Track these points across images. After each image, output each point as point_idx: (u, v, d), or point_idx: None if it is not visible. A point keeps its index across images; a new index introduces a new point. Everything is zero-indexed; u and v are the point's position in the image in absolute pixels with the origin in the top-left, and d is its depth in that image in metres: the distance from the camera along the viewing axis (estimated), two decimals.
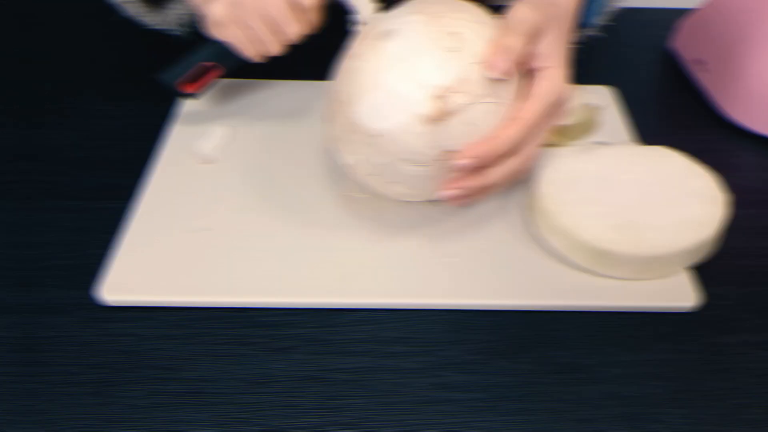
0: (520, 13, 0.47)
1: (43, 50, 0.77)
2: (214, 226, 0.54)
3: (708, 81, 0.71)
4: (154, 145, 0.62)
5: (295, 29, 0.56)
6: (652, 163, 0.56)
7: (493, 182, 0.49)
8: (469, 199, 0.49)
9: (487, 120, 0.47)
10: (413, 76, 0.45)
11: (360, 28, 0.54)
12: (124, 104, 0.69)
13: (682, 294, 0.51)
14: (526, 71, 0.49)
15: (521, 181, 0.55)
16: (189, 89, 0.61)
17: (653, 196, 0.53)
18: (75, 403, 0.44)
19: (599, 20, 0.58)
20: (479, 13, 0.49)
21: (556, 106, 0.49)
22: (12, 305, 0.50)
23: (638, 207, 0.52)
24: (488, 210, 0.57)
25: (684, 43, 0.77)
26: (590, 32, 0.58)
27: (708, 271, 0.53)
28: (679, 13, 0.80)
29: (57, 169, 0.61)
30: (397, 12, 0.50)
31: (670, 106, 0.72)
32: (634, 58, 0.79)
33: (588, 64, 0.77)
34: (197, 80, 0.61)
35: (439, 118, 0.45)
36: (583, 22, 0.53)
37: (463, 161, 0.46)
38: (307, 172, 0.60)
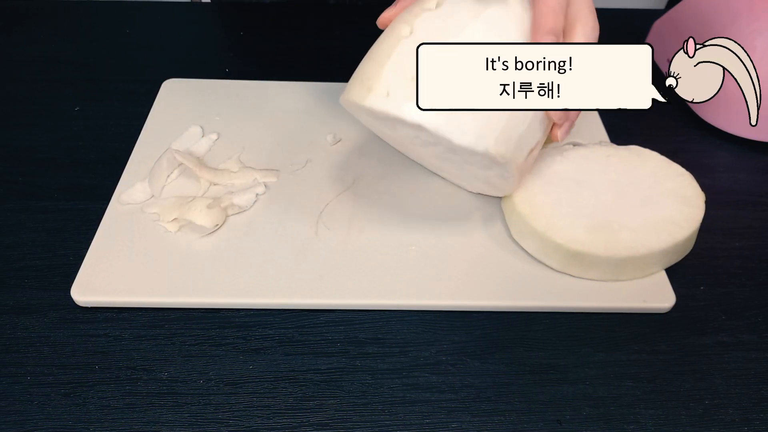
0: None
1: (19, 51, 0.77)
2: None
3: None
4: (130, 146, 0.62)
5: None
6: (627, 162, 0.56)
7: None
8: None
9: None
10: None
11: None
12: (101, 105, 0.68)
13: (657, 295, 0.51)
14: None
15: None
16: None
17: (628, 196, 0.53)
18: (49, 403, 0.44)
19: None
20: None
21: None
22: None
23: (613, 208, 0.52)
24: (469, 211, 0.57)
25: (656, 44, 0.77)
26: None
27: (682, 271, 0.53)
28: (655, 14, 0.81)
29: (32, 169, 0.61)
30: None
31: None
32: None
33: None
34: None
35: None
36: None
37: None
38: (283, 171, 0.60)
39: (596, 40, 0.50)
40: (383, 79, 0.47)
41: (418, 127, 0.46)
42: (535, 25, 0.47)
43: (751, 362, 0.48)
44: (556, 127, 0.51)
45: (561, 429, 0.44)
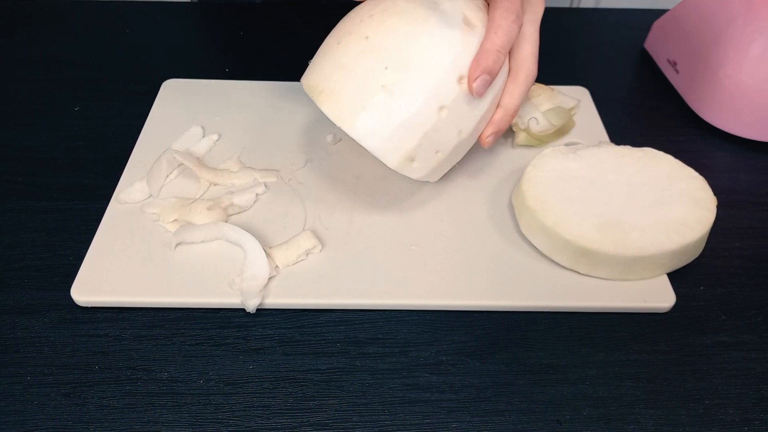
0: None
1: (19, 50, 0.77)
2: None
3: (679, 81, 0.72)
4: (130, 146, 0.62)
5: None
6: (640, 164, 0.56)
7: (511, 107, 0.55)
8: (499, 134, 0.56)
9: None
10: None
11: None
12: (101, 105, 0.68)
13: (657, 295, 0.51)
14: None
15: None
16: None
17: (640, 196, 0.53)
18: (49, 403, 0.44)
19: None
20: None
21: (516, 22, 0.52)
22: None
23: (624, 207, 0.52)
24: (469, 211, 0.57)
25: (656, 44, 0.77)
26: None
27: (682, 271, 0.53)
28: (655, 14, 0.81)
29: (32, 169, 0.61)
30: None
31: (645, 107, 0.72)
32: (609, 59, 0.80)
33: (563, 64, 0.77)
34: None
35: None
36: None
37: (476, 82, 0.50)
38: (282, 172, 0.60)
39: (529, 88, 0.55)
40: (343, 89, 0.50)
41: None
42: (476, 58, 0.50)
43: (751, 362, 0.48)
44: (486, 131, 0.54)
45: (561, 429, 0.44)
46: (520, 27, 0.53)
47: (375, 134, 0.49)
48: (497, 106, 0.54)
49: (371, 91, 0.49)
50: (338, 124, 0.49)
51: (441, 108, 0.50)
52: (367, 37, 0.50)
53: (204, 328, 0.48)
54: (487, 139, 0.55)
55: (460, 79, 0.50)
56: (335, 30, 0.53)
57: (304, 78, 0.53)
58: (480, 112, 0.52)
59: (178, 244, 0.52)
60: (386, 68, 0.49)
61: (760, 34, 0.62)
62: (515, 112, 0.55)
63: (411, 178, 0.54)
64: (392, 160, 0.50)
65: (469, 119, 0.52)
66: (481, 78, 0.50)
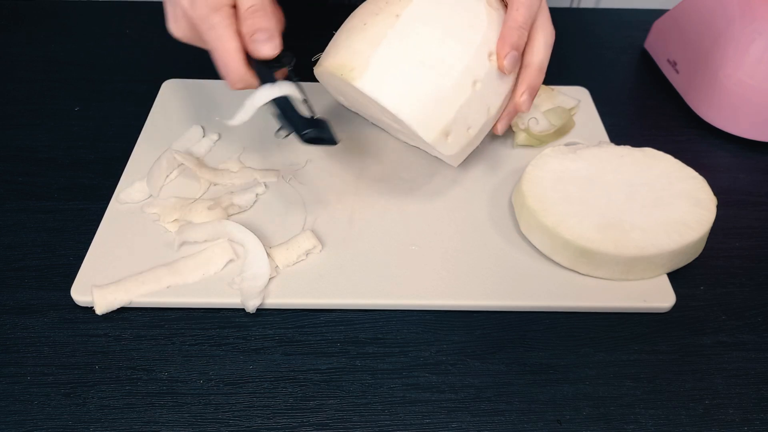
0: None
1: (18, 51, 0.77)
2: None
3: (679, 81, 0.72)
4: (130, 146, 0.62)
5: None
6: (640, 164, 0.56)
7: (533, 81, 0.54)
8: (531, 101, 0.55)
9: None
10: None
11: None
12: (100, 105, 0.69)
13: (657, 295, 0.51)
14: None
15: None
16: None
17: (640, 196, 0.53)
18: (49, 403, 0.44)
19: None
20: None
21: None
22: None
23: (625, 207, 0.52)
24: (471, 211, 0.57)
25: (656, 44, 0.77)
26: None
27: (682, 271, 0.53)
28: (655, 14, 0.81)
29: (32, 169, 0.61)
30: None
31: (645, 107, 0.72)
32: (609, 59, 0.80)
33: (563, 64, 0.77)
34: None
35: None
36: None
37: (506, 59, 0.51)
38: (282, 172, 0.60)
39: (551, 46, 0.55)
40: (378, 64, 0.49)
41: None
42: (501, 35, 0.52)
43: (751, 362, 0.48)
44: (518, 90, 0.54)
45: (561, 429, 0.44)
46: (540, 2, 0.53)
47: (413, 107, 0.49)
48: (522, 67, 0.54)
49: (409, 65, 0.49)
50: (374, 98, 0.49)
51: (475, 82, 0.51)
52: (397, 15, 0.50)
53: (204, 328, 0.48)
54: (522, 98, 0.53)
55: (490, 55, 0.51)
56: (355, 16, 0.53)
57: (327, 61, 0.52)
58: (506, 89, 0.53)
59: (182, 244, 0.52)
60: (421, 43, 0.49)
61: (759, 34, 0.62)
62: (543, 68, 0.54)
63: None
64: (429, 133, 0.50)
65: (496, 96, 0.53)
66: (510, 54, 0.51)
